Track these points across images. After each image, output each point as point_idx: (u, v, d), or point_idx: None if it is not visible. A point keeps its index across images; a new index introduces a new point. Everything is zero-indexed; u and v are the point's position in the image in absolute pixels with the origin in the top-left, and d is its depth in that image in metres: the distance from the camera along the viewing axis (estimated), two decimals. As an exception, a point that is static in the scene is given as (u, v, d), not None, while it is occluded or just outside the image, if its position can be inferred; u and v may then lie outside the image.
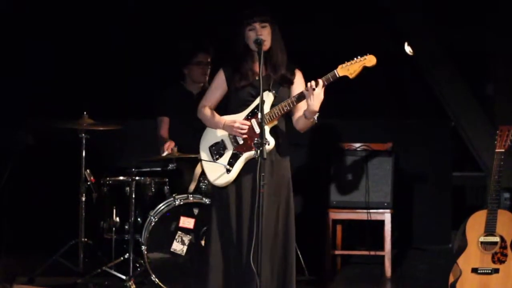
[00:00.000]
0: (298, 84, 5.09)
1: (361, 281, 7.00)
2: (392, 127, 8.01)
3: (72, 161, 6.69)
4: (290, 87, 5.12)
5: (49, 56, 7.99)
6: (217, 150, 5.11)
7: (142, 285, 6.21)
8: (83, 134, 6.50)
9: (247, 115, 5.07)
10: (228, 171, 5.04)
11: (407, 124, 8.14)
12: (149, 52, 8.06)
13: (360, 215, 6.95)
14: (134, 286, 6.13)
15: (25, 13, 7.90)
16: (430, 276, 7.00)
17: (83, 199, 6.52)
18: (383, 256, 6.93)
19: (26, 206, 7.79)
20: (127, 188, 6.30)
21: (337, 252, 7.15)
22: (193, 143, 6.25)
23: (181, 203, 6.08)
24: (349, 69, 4.88)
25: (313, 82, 4.90)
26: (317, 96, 4.88)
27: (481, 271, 5.57)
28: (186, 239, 6.06)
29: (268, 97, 5.02)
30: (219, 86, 5.19)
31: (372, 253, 7.06)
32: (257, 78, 4.94)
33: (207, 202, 6.01)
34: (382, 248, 6.94)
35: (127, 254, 6.24)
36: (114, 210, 6.40)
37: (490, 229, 5.56)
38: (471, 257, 5.58)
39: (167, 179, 6.42)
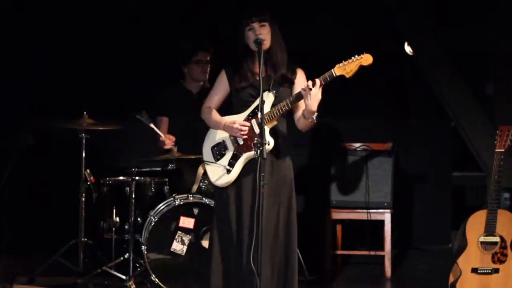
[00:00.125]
0: (299, 83, 5.07)
1: (361, 281, 7.00)
2: (392, 127, 8.01)
3: (72, 161, 6.69)
4: (291, 86, 5.11)
5: (49, 56, 7.99)
6: (218, 150, 5.12)
7: (142, 285, 6.20)
8: (83, 134, 6.50)
9: (248, 116, 5.07)
10: (228, 171, 5.05)
11: (407, 124, 8.14)
12: (149, 52, 8.06)
13: (360, 215, 6.95)
14: (134, 286, 6.13)
15: (25, 13, 7.90)
16: (430, 276, 7.00)
17: (83, 199, 6.52)
18: (383, 256, 6.93)
19: (26, 206, 7.79)
20: (127, 188, 6.30)
21: (337, 252, 7.15)
22: (193, 142, 6.26)
23: (181, 203, 6.08)
24: (346, 68, 4.87)
25: (310, 82, 4.89)
26: (314, 96, 4.87)
27: (481, 271, 5.57)
28: (186, 239, 6.06)
29: (268, 98, 5.02)
30: (221, 87, 5.20)
31: (372, 253, 7.06)
32: (257, 78, 4.94)
33: (207, 202, 6.01)
34: (382, 248, 6.94)
35: (127, 254, 6.24)
36: (114, 210, 6.39)
37: (490, 229, 5.55)
38: (471, 257, 5.58)
39: (167, 179, 6.42)
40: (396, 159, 7.11)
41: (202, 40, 6.86)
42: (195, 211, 6.08)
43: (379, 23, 8.09)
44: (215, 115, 5.16)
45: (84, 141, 6.50)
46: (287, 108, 4.98)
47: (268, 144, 4.90)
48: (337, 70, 4.89)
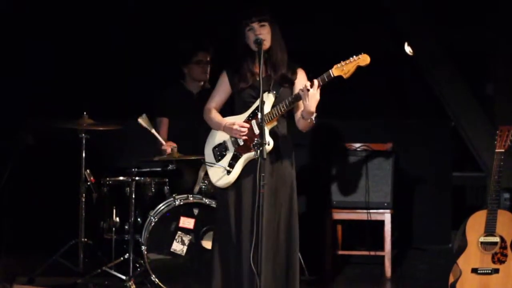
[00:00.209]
0: (300, 83, 5.05)
1: (361, 281, 7.00)
2: (392, 127, 8.01)
3: (72, 161, 6.69)
4: (292, 87, 5.11)
5: (49, 56, 7.99)
6: (219, 151, 5.12)
7: (142, 285, 6.20)
8: (83, 134, 6.49)
9: (248, 117, 5.08)
10: (228, 172, 5.05)
11: (407, 124, 8.14)
12: (149, 52, 8.06)
13: (360, 215, 6.95)
14: (134, 286, 6.13)
15: (25, 13, 7.90)
16: (430, 276, 7.00)
17: (83, 199, 6.52)
18: (383, 256, 6.93)
19: (26, 206, 7.78)
20: (127, 188, 6.30)
21: (337, 252, 7.15)
22: (193, 143, 6.26)
23: (181, 203, 6.08)
24: (344, 69, 4.86)
25: (308, 83, 4.89)
26: (313, 96, 4.87)
27: (481, 271, 5.57)
28: (186, 239, 6.05)
29: (269, 98, 5.01)
30: (222, 88, 5.21)
31: (372, 253, 7.06)
32: (257, 79, 4.94)
33: (207, 203, 6.01)
34: (382, 248, 6.94)
35: (127, 254, 6.23)
36: (114, 210, 6.39)
37: (490, 229, 5.55)
38: (471, 257, 5.58)
39: (167, 179, 6.42)
40: (396, 159, 7.11)
41: (202, 40, 6.86)
42: (195, 211, 6.07)
43: (379, 23, 8.09)
44: (216, 116, 5.16)
45: (84, 141, 6.50)
46: (285, 108, 4.98)
47: (268, 145, 4.90)
48: (335, 71, 4.88)
